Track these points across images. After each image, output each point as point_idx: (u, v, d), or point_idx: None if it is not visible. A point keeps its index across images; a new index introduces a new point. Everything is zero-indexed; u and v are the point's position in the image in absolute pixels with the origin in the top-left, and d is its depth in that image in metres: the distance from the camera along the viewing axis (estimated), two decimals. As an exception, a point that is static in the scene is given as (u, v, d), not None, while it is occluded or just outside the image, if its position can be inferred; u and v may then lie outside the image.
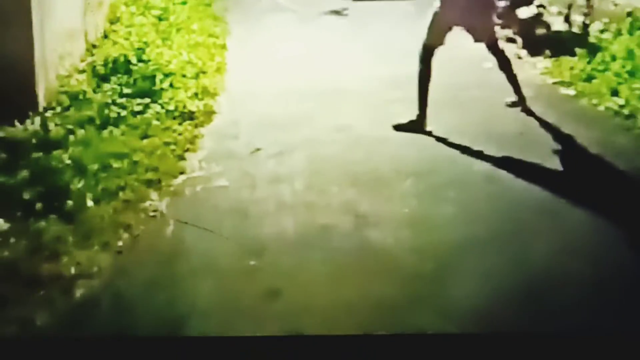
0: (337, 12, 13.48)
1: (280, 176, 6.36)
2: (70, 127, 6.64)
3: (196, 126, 7.37)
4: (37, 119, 6.65)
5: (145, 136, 6.87)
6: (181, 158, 6.64)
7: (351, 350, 3.74)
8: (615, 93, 8.13)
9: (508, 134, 7.26)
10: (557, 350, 3.57)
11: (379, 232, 5.40)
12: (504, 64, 7.69)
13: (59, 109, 7.04)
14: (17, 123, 6.48)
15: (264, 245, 5.23)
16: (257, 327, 4.35)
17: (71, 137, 6.46)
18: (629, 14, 9.87)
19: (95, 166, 6.04)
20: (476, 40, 7.51)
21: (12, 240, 5.05)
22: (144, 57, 8.71)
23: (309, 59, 10.17)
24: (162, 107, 7.52)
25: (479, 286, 4.74)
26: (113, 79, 8.01)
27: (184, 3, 12.91)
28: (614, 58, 8.95)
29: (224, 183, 6.22)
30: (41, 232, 5.14)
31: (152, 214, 5.64)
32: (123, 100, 7.50)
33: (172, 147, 6.78)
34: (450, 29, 7.31)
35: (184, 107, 7.64)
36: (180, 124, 7.31)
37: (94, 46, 8.99)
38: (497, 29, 7.98)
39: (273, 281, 4.79)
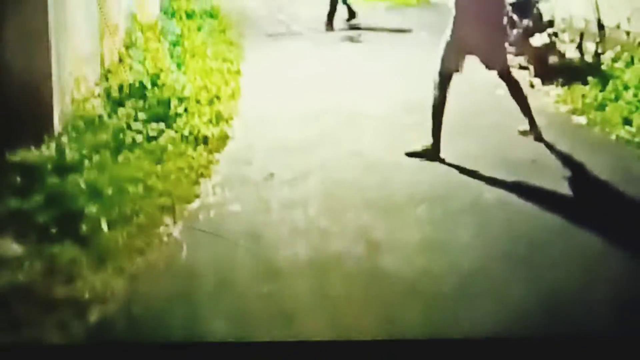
0: (351, 38, 13.57)
1: (294, 201, 6.37)
2: (85, 151, 6.68)
3: (210, 151, 7.39)
4: (53, 143, 6.70)
5: (159, 161, 6.90)
6: (195, 183, 6.66)
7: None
8: (627, 122, 8.13)
9: (521, 160, 7.27)
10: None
11: (393, 258, 5.39)
12: (516, 92, 7.71)
13: (74, 134, 7.07)
14: (32, 147, 6.52)
15: (278, 271, 5.23)
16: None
17: (86, 162, 6.50)
18: (641, 43, 9.91)
19: (110, 191, 6.06)
20: (488, 68, 7.53)
21: (27, 263, 5.06)
22: (159, 82, 8.78)
23: (323, 84, 10.22)
24: (177, 132, 7.56)
25: (493, 311, 4.74)
26: (128, 103, 8.07)
27: (199, 29, 13.04)
28: (626, 87, 8.97)
29: (237, 208, 6.24)
30: (56, 256, 5.15)
31: (165, 239, 5.66)
32: (138, 125, 7.55)
33: (186, 172, 6.80)
34: (463, 56, 7.33)
35: (198, 132, 7.67)
36: (194, 149, 7.33)
37: (109, 71, 9.06)
38: (510, 56, 8.01)
39: (286, 306, 4.79)
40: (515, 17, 10.29)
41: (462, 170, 7.03)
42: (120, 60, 9.66)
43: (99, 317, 4.65)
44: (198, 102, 8.61)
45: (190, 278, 5.17)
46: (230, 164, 7.21)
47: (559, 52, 10.31)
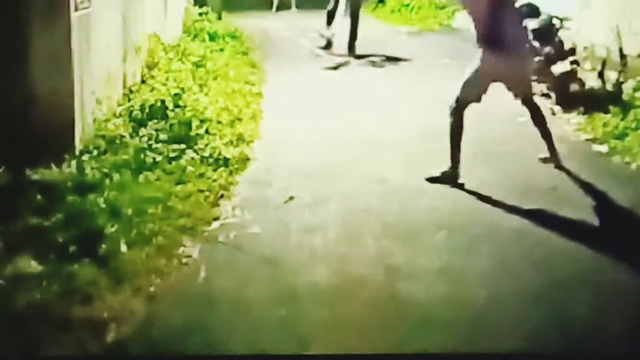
0: (373, 63, 13.59)
1: (314, 226, 6.36)
2: (106, 171, 6.70)
3: (230, 173, 7.40)
4: (74, 162, 6.72)
5: (179, 182, 6.92)
6: (215, 205, 6.67)
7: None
8: (648, 151, 8.12)
9: (541, 188, 7.25)
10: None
11: (412, 284, 5.37)
12: (539, 119, 7.72)
13: (95, 153, 7.11)
14: (53, 165, 6.55)
15: (296, 295, 5.22)
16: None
17: (107, 181, 6.52)
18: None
19: (130, 211, 6.07)
20: (516, 96, 7.57)
21: (45, 282, 5.06)
22: (181, 103, 8.81)
23: (344, 108, 10.24)
24: (197, 154, 7.58)
25: (509, 341, 4.71)
26: (149, 124, 8.10)
27: (222, 50, 13.10)
28: (646, 116, 8.96)
29: (256, 231, 6.23)
30: (74, 275, 5.16)
31: (184, 260, 5.66)
32: (159, 145, 7.58)
33: (206, 193, 6.82)
34: (488, 84, 7.34)
35: (219, 153, 7.68)
36: (214, 170, 7.34)
37: (131, 91, 9.11)
38: (532, 84, 8.02)
39: (304, 331, 4.78)
40: (536, 44, 10.28)
41: (482, 197, 7.01)
42: (143, 81, 9.71)
43: (116, 337, 4.65)
44: (219, 123, 8.63)
45: (208, 300, 5.17)
46: (250, 186, 7.22)
47: (580, 80, 10.29)
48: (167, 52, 11.23)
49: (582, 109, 9.69)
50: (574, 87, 10.21)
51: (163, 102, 8.63)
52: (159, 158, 7.27)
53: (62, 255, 5.37)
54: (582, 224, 6.53)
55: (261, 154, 8.14)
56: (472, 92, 7.34)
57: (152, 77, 9.91)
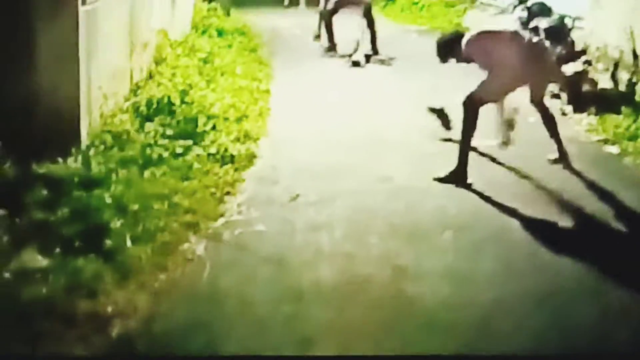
0: (382, 61, 13.54)
1: (319, 224, 6.31)
2: (112, 166, 6.67)
3: (236, 170, 7.36)
4: (80, 157, 6.68)
5: (185, 178, 6.87)
6: (220, 201, 6.63)
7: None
8: (660, 153, 8.07)
9: (550, 190, 7.19)
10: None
11: (418, 285, 5.33)
12: (548, 120, 7.68)
13: (101, 148, 7.07)
14: (59, 160, 6.51)
15: (301, 293, 5.18)
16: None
17: (113, 177, 6.48)
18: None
19: (136, 206, 6.04)
20: (534, 99, 7.54)
21: (50, 276, 5.03)
22: (188, 99, 8.78)
23: (352, 107, 10.19)
24: (204, 150, 7.54)
25: (513, 344, 4.67)
26: (156, 119, 8.07)
27: (230, 47, 13.07)
28: (659, 117, 8.91)
29: (262, 228, 6.19)
30: (79, 269, 5.12)
31: (189, 256, 5.62)
32: (165, 141, 7.54)
33: (212, 190, 6.78)
34: (512, 90, 7.33)
35: (226, 150, 7.64)
36: (221, 167, 7.31)
37: (138, 86, 9.07)
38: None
39: (308, 330, 4.74)
40: (548, 44, 10.22)
41: (489, 198, 6.96)
42: (150, 76, 9.67)
43: (120, 333, 4.61)
44: (226, 120, 8.60)
45: (212, 296, 5.13)
46: (256, 183, 7.18)
47: (593, 80, 10.23)
48: (175, 48, 11.20)
49: (593, 109, 9.62)
50: (586, 87, 10.15)
51: (170, 97, 8.60)
52: (165, 154, 7.23)
53: (67, 249, 5.33)
54: (591, 226, 6.48)
55: (267, 152, 8.10)
56: (495, 92, 7.32)
57: (159, 72, 9.88)
